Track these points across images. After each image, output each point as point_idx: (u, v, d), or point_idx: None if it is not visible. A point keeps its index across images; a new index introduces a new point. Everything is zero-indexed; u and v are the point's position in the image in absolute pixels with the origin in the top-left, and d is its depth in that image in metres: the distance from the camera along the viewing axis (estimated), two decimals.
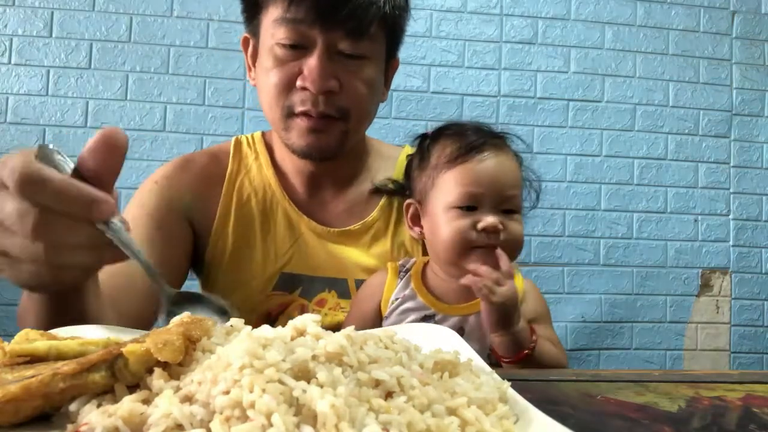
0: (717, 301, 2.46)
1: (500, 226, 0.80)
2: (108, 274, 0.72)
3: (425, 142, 0.91)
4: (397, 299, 0.87)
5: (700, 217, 2.46)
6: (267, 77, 0.90)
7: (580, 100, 2.43)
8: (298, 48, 0.87)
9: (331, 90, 0.87)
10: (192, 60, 2.23)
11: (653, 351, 2.41)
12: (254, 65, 0.98)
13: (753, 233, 2.49)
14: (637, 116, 2.45)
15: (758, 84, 2.52)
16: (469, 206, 0.82)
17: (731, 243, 2.48)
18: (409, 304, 0.86)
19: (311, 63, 0.86)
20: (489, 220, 0.80)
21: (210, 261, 1.01)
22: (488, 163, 0.83)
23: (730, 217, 2.49)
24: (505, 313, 0.75)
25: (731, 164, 2.50)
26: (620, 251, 2.41)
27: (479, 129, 0.88)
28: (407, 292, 0.87)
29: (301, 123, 0.89)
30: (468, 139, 0.85)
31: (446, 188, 0.84)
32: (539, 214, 2.36)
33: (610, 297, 2.39)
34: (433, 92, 2.35)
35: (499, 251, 0.79)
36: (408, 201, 0.92)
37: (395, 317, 0.86)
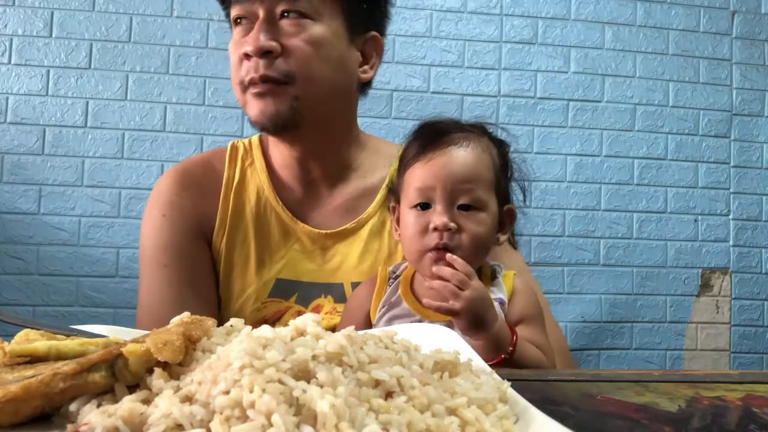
0: (717, 301, 2.46)
1: (452, 225, 0.76)
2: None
3: None
4: (384, 306, 0.84)
5: (700, 217, 2.46)
6: (230, 62, 0.94)
7: (580, 100, 2.43)
8: (247, 24, 0.91)
9: (269, 50, 0.88)
10: (192, 60, 2.23)
11: (653, 351, 2.41)
12: None
13: (753, 233, 2.49)
14: (637, 116, 2.45)
15: (758, 84, 2.52)
16: (423, 204, 0.79)
17: (731, 243, 2.48)
18: (395, 311, 0.83)
19: (253, 30, 0.89)
20: (437, 220, 0.77)
21: None
22: (442, 157, 0.80)
23: (730, 217, 2.48)
24: (474, 317, 0.70)
25: (731, 164, 2.50)
26: (620, 251, 2.41)
27: (445, 123, 0.86)
28: (394, 298, 0.85)
29: (251, 92, 0.90)
30: (428, 134, 0.84)
31: (406, 188, 0.83)
32: (539, 214, 2.36)
33: (610, 297, 2.39)
34: (433, 92, 2.35)
35: (450, 256, 0.74)
36: (392, 204, 0.89)
37: (382, 325, 0.83)
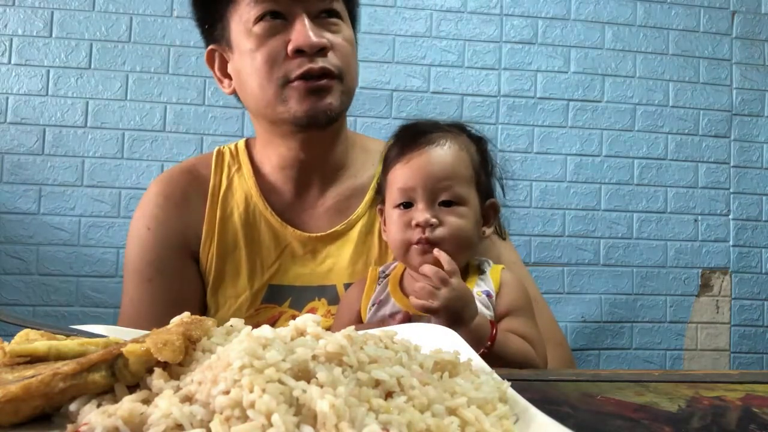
0: (717, 301, 2.46)
1: (433, 221, 0.80)
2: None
3: None
4: (374, 305, 0.86)
5: (700, 217, 2.46)
6: (252, 59, 0.91)
7: (580, 100, 2.43)
8: (278, 19, 0.90)
9: (324, 47, 0.88)
10: (192, 60, 2.23)
11: (653, 351, 2.41)
12: (225, 75, 0.99)
13: (753, 233, 2.49)
14: (637, 116, 2.45)
15: (758, 84, 2.52)
16: (405, 203, 0.83)
17: (731, 243, 2.48)
18: (384, 309, 0.86)
19: (299, 27, 0.88)
20: (419, 216, 0.81)
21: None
22: (420, 157, 0.83)
23: (730, 217, 2.48)
24: (451, 314, 0.73)
25: (731, 164, 2.50)
26: (620, 251, 2.41)
27: (424, 124, 0.89)
28: (383, 297, 0.87)
29: (299, 87, 0.89)
30: (407, 136, 0.87)
31: (389, 189, 0.86)
32: (539, 214, 2.36)
33: (610, 297, 2.39)
34: (433, 92, 2.35)
35: (437, 251, 0.78)
36: (380, 206, 0.93)
37: (374, 324, 0.84)
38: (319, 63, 0.88)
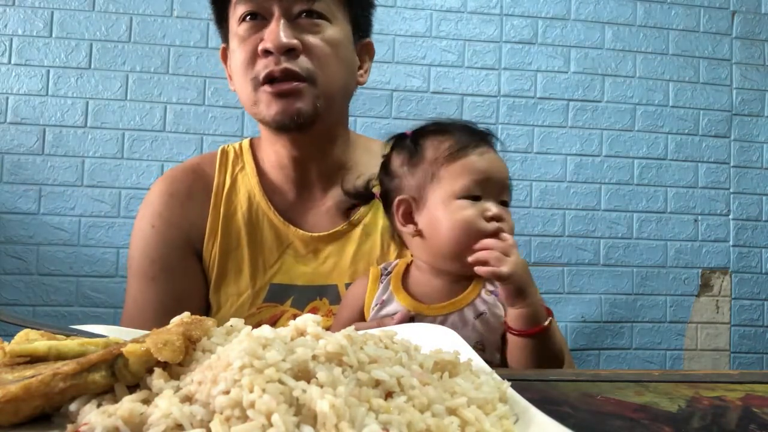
0: (717, 301, 2.46)
1: (506, 216, 0.82)
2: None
3: (407, 141, 0.89)
4: (377, 305, 0.86)
5: (700, 217, 2.46)
6: (236, 59, 0.93)
7: (580, 100, 2.43)
8: (257, 20, 0.90)
9: (292, 48, 0.87)
10: (192, 60, 2.23)
11: (653, 351, 2.41)
12: None
13: (753, 233, 2.49)
14: (637, 116, 2.45)
15: (758, 84, 2.52)
16: (476, 196, 0.83)
17: (731, 243, 2.48)
18: (387, 309, 0.85)
19: (271, 27, 0.88)
20: (496, 208, 0.81)
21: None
22: (488, 156, 0.85)
23: (730, 217, 2.48)
24: (519, 283, 0.75)
25: (731, 164, 2.50)
26: (620, 251, 2.41)
27: (469, 126, 0.90)
28: (386, 296, 0.86)
29: (267, 89, 0.89)
30: (465, 134, 0.88)
31: (451, 180, 0.83)
32: (539, 214, 2.36)
33: (610, 297, 2.39)
34: (433, 92, 2.35)
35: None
36: (400, 197, 0.87)
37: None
38: (283, 64, 0.87)
